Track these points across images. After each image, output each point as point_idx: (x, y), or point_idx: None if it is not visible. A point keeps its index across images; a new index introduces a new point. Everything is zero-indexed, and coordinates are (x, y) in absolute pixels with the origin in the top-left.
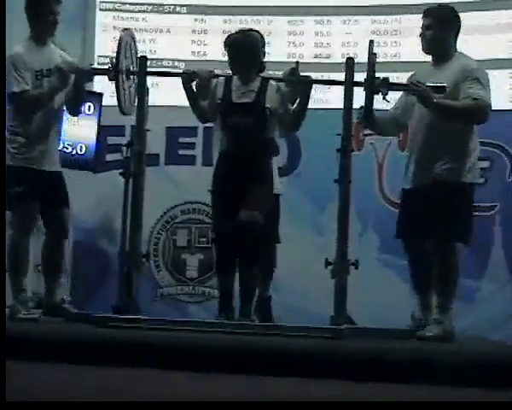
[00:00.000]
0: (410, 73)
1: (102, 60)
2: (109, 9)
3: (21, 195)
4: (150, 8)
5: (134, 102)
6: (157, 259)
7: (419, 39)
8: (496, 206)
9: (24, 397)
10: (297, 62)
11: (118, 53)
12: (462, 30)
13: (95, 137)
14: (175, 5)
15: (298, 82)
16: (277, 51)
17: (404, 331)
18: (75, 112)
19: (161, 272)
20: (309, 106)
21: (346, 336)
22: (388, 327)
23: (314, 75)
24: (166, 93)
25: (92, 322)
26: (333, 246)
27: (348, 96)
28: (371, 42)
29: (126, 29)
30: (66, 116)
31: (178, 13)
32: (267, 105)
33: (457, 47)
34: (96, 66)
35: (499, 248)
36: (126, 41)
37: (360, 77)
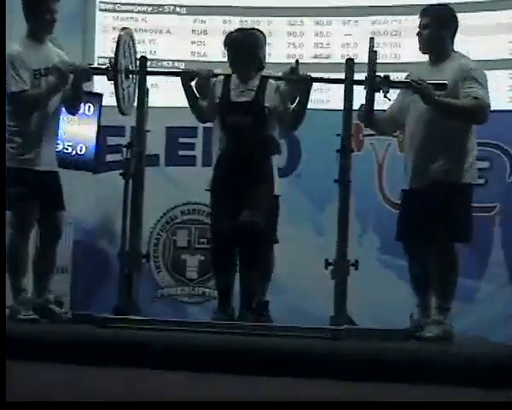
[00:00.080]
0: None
1: (102, 60)
2: (109, 10)
3: (20, 195)
4: (150, 8)
5: (133, 101)
6: (157, 259)
7: None
8: (496, 206)
9: (24, 397)
10: (297, 61)
11: (116, 52)
12: (462, 30)
13: (95, 137)
14: (175, 6)
15: (298, 80)
16: (277, 52)
17: (404, 332)
18: (73, 111)
19: (161, 273)
20: (309, 106)
21: (345, 336)
22: (388, 328)
23: (314, 76)
24: (166, 94)
25: (91, 323)
26: (333, 246)
27: (348, 97)
28: (372, 39)
29: (125, 28)
30: (67, 116)
31: (178, 13)
32: (266, 104)
33: (457, 47)
34: (95, 66)
35: (499, 248)
36: (125, 40)
37: (360, 77)
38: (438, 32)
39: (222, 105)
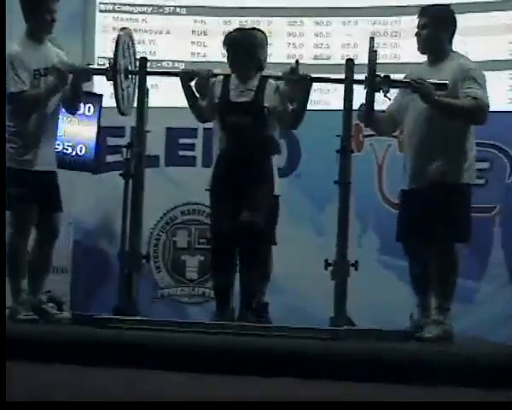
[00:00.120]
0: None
1: (102, 61)
2: (109, 10)
3: (19, 196)
4: (150, 9)
5: (133, 102)
6: (157, 260)
7: None
8: (496, 207)
9: (24, 397)
10: (297, 61)
11: (115, 52)
12: (462, 31)
13: (95, 138)
14: (175, 6)
15: (298, 80)
16: (277, 52)
17: (404, 332)
18: (72, 110)
19: (161, 273)
20: (309, 107)
21: (345, 337)
22: (388, 328)
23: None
24: (166, 94)
25: (90, 323)
26: (333, 247)
27: (348, 97)
28: (372, 39)
29: (124, 28)
30: (67, 117)
31: (178, 14)
32: (266, 104)
33: (457, 48)
34: (94, 66)
35: (499, 248)
36: (124, 41)
37: (360, 78)
38: (436, 32)
39: (221, 105)
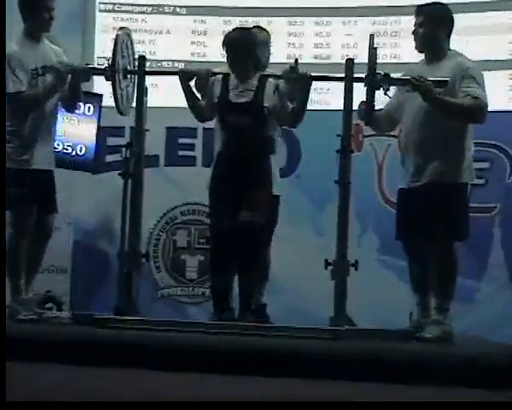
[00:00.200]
0: None
1: (102, 60)
2: (109, 10)
3: (18, 196)
4: (150, 9)
5: (131, 101)
6: (157, 260)
7: None
8: (496, 207)
9: (24, 397)
10: (296, 60)
11: (114, 52)
12: (461, 31)
13: (94, 138)
14: (175, 6)
15: (297, 79)
16: (277, 52)
17: (404, 332)
18: (71, 109)
19: (161, 273)
20: (309, 107)
21: (345, 337)
22: (388, 328)
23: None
24: (166, 94)
25: (90, 323)
26: (332, 247)
27: (348, 97)
28: (372, 36)
29: (123, 28)
30: (67, 117)
31: (178, 14)
32: (265, 104)
33: (456, 47)
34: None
35: (499, 248)
36: (123, 40)
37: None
38: (433, 30)
39: (221, 105)
